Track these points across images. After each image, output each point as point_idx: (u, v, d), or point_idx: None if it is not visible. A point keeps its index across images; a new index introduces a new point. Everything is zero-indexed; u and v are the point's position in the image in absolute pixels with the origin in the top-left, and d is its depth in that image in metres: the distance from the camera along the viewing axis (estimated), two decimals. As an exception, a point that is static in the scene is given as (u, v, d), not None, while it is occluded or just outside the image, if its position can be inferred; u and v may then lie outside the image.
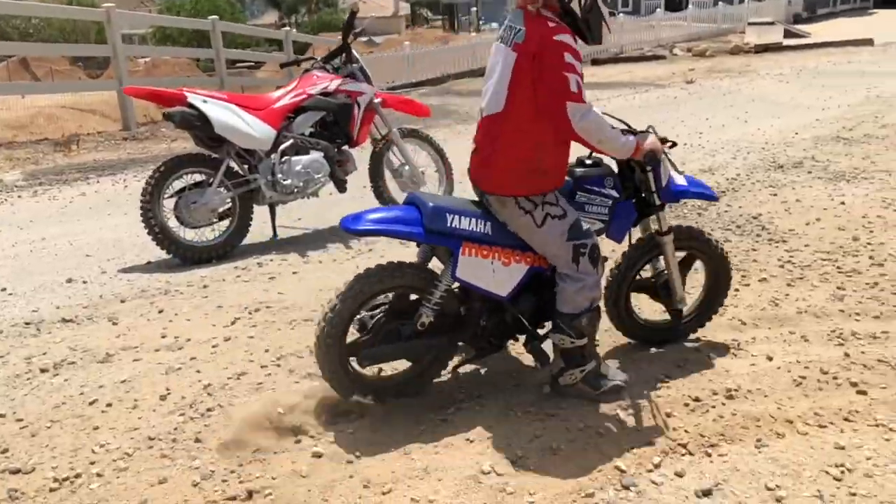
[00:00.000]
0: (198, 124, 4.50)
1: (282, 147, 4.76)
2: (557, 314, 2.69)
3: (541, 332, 2.87)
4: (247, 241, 4.92)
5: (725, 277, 3.21)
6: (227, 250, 4.72)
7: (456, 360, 2.94)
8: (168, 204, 4.56)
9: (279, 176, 4.73)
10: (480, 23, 36.73)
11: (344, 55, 5.13)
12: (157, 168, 4.54)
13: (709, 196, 3.21)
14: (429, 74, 17.34)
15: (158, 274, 4.44)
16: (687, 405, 2.74)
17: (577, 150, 2.65)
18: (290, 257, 4.68)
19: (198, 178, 4.63)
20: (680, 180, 3.05)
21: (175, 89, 4.64)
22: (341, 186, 5.09)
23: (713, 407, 2.72)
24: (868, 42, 18.07)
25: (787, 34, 22.98)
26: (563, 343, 2.70)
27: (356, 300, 2.60)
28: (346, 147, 5.10)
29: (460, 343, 2.86)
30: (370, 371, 2.86)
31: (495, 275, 2.66)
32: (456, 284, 2.70)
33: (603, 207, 2.79)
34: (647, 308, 3.35)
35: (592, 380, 2.76)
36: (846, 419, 2.60)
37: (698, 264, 3.23)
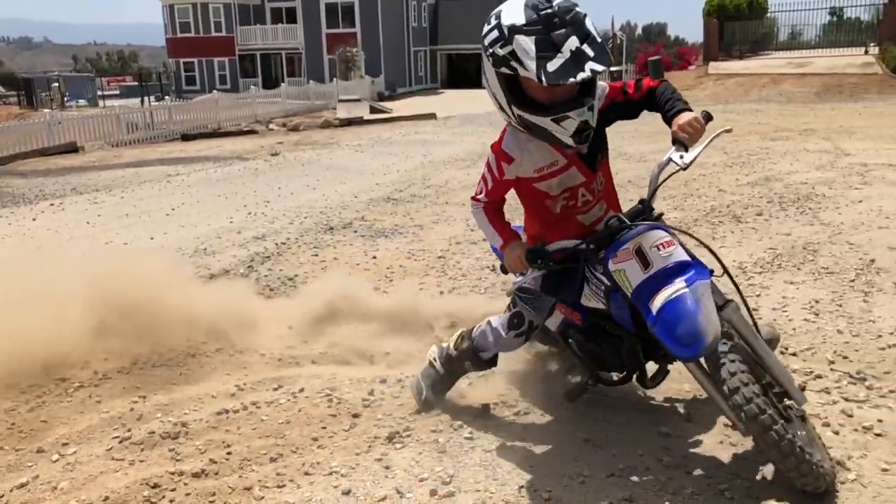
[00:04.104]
0: None
1: None
2: None
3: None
4: None
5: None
6: None
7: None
8: None
9: None
10: (65, 99, 33.63)
11: None
12: None
13: (678, 353, 2.26)
14: (-7, 154, 15.11)
15: None
16: (144, 494, 2.46)
17: None
18: None
19: None
20: (658, 304, 2.24)
21: None
22: None
23: (172, 490, 2.48)
24: (432, 116, 20.70)
25: (373, 110, 25.32)
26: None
27: None
28: None
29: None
30: None
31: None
32: None
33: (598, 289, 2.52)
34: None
35: (424, 377, 3.03)
36: (307, 473, 2.56)
37: None
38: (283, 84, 28.52)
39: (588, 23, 2.22)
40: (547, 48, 2.16)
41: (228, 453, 2.71)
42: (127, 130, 18.44)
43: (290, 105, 25.69)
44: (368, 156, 12.99)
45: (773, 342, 2.87)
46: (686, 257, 2.31)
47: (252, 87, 26.24)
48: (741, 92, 20.08)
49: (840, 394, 2.94)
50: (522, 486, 2.38)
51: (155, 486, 2.50)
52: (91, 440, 2.88)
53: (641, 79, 2.55)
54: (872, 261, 4.68)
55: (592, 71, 2.16)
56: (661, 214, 2.46)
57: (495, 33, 2.24)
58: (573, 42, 2.16)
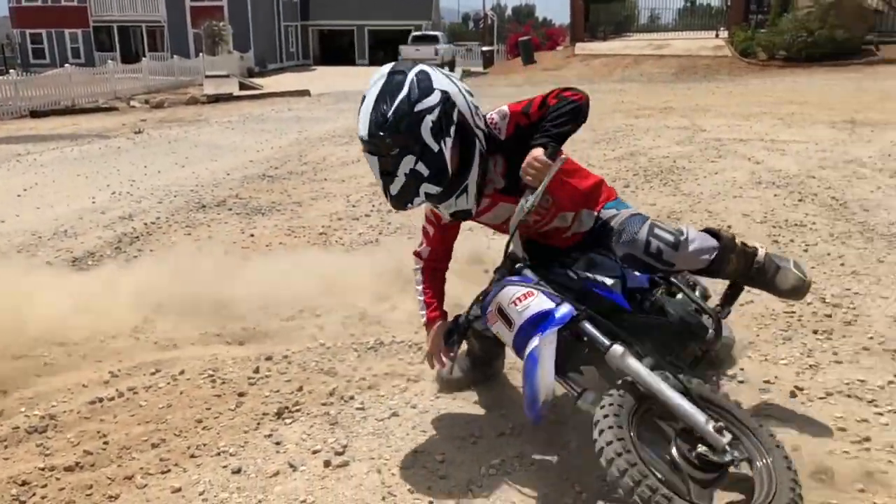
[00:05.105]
0: None
1: None
2: None
3: None
4: None
5: None
6: None
7: None
8: None
9: None
10: None
11: None
12: None
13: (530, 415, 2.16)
14: None
15: None
16: (13, 493, 2.28)
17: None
18: None
19: None
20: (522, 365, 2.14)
21: None
22: None
23: (44, 486, 2.31)
24: (306, 93, 20.23)
25: (243, 86, 24.35)
26: None
27: None
28: None
29: None
30: None
31: None
32: None
33: None
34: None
35: None
36: (192, 456, 2.46)
37: None
38: (144, 59, 26.86)
39: (425, 126, 2.10)
40: (386, 169, 2.16)
41: (105, 443, 2.56)
42: (-35, 107, 16.80)
43: (153, 81, 24.27)
44: (240, 133, 12.53)
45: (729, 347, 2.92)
46: (544, 306, 2.11)
47: (109, 61, 24.51)
48: (606, 72, 20.98)
49: (706, 348, 3.16)
50: (416, 451, 2.41)
51: (24, 483, 2.32)
52: (-55, 439, 2.63)
53: (548, 94, 2.31)
54: (729, 227, 5.03)
55: (426, 195, 2.20)
56: (525, 264, 2.28)
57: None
58: (408, 163, 2.13)
